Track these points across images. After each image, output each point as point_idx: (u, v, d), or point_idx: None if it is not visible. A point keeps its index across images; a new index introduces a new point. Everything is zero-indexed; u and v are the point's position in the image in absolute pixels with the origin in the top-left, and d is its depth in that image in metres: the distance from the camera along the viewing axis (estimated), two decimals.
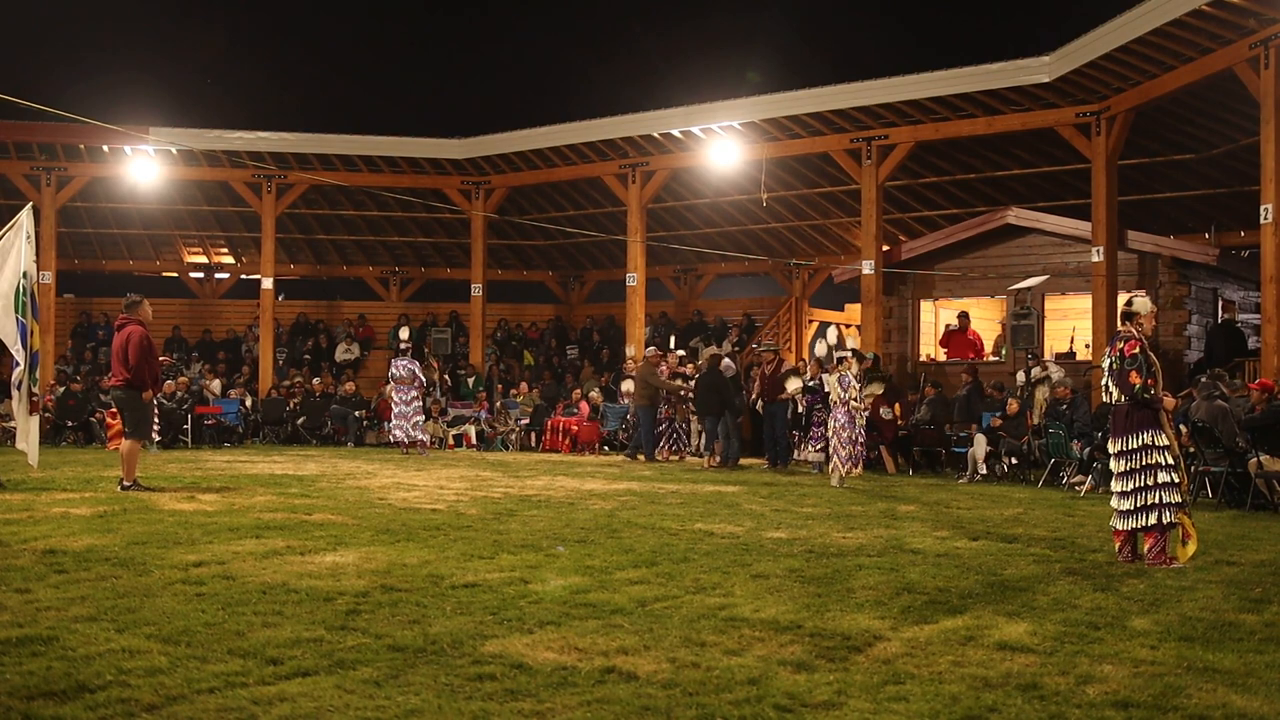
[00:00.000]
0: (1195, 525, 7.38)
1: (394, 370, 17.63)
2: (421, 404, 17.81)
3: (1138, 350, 7.32)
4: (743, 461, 16.26)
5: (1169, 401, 7.43)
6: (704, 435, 17.11)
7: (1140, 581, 6.52)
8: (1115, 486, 7.43)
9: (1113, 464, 7.48)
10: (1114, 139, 16.59)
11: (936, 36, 36.19)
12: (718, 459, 16.09)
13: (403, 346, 17.87)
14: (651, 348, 18.37)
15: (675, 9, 40.41)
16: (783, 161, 20.59)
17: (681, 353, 19.03)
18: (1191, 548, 7.20)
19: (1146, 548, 7.24)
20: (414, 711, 3.81)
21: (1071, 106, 16.91)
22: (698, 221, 24.37)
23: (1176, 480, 7.25)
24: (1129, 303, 7.63)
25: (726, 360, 16.88)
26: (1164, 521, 7.17)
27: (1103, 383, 7.66)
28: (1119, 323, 7.65)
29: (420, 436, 17.58)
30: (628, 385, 19.85)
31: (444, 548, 7.24)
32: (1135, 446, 7.30)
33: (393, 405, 17.79)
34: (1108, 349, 7.66)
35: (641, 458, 16.87)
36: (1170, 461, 7.25)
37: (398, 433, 17.48)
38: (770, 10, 39.49)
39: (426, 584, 5.94)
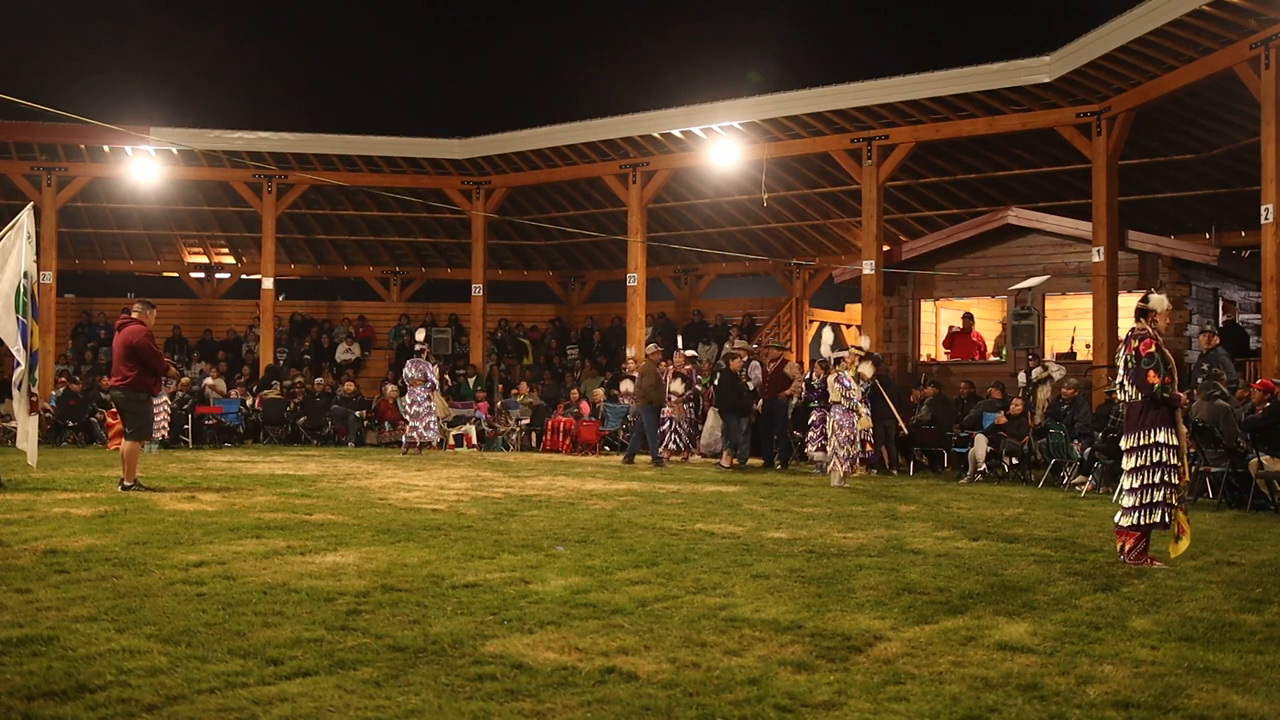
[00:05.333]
0: (1193, 524, 7.35)
1: (407, 371, 17.70)
2: (432, 405, 17.82)
3: (1154, 349, 7.27)
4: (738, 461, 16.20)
5: (1185, 400, 7.40)
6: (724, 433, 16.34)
7: (1141, 582, 6.52)
8: (1124, 483, 7.40)
9: (1124, 461, 7.46)
10: (1114, 139, 16.59)
11: (936, 36, 36.25)
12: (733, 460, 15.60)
13: (418, 348, 17.89)
14: (651, 345, 18.17)
15: (675, 9, 40.46)
16: (783, 161, 20.58)
17: (691, 353, 18.89)
18: (1184, 544, 7.19)
19: (1128, 546, 7.21)
20: (414, 711, 3.81)
21: (1072, 106, 16.91)
22: (698, 221, 24.36)
23: (1175, 481, 7.23)
24: (1145, 299, 7.53)
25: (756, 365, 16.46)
26: (1155, 521, 7.15)
27: (1117, 380, 7.59)
28: (1134, 319, 7.55)
29: (430, 436, 17.64)
30: (627, 385, 19.82)
31: (444, 548, 7.23)
32: (1146, 444, 7.27)
33: (406, 406, 17.84)
34: (1121, 345, 7.58)
35: (644, 459, 16.41)
36: (1175, 462, 7.23)
37: (413, 434, 17.52)
38: (770, 10, 39.56)
39: (427, 584, 5.94)
